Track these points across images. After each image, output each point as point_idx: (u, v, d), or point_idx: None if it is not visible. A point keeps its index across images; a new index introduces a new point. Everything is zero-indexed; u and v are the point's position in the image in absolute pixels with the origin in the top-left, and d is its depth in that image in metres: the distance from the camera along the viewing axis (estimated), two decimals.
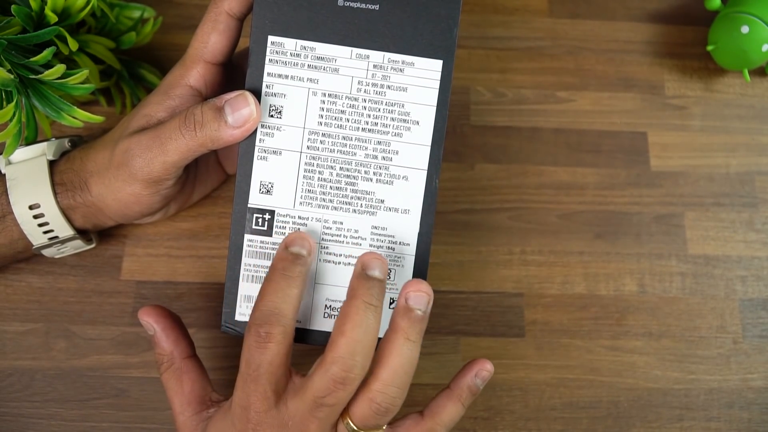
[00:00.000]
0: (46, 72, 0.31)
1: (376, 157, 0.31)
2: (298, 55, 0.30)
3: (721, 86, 0.45)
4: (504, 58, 0.44)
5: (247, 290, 0.31)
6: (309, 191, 0.31)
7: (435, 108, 0.31)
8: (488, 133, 0.42)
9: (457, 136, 0.42)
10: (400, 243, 0.31)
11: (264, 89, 0.30)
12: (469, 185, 0.41)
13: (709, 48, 0.43)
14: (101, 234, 0.38)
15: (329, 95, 0.30)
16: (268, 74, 0.30)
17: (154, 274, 0.38)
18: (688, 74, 0.45)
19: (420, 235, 0.31)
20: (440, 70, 0.30)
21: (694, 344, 0.39)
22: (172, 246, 0.39)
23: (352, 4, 0.30)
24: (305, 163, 0.30)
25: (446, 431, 0.30)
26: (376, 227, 0.31)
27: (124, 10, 0.39)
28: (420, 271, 0.31)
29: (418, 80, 0.30)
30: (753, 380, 0.39)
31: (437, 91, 0.30)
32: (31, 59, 0.31)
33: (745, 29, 0.41)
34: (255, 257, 0.31)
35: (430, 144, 0.31)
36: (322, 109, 0.30)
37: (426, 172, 0.31)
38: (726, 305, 0.40)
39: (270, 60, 0.30)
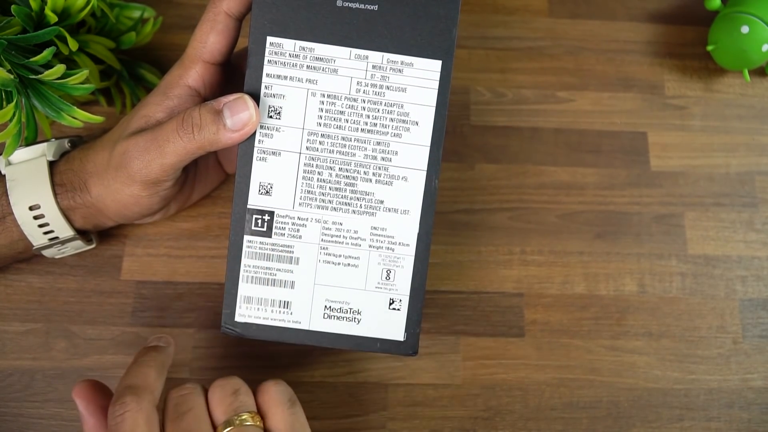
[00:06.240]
0: (46, 72, 0.31)
1: (375, 157, 0.31)
2: (297, 56, 0.30)
3: (721, 86, 0.45)
4: (504, 58, 0.44)
5: (247, 291, 0.31)
6: (308, 192, 0.31)
7: (434, 108, 0.30)
8: (488, 133, 0.42)
9: (457, 136, 0.42)
10: (399, 243, 0.31)
11: (263, 90, 0.30)
12: (469, 185, 0.41)
13: (709, 48, 0.43)
14: (101, 234, 0.38)
15: (328, 96, 0.30)
16: (267, 75, 0.30)
17: (154, 274, 0.38)
18: (688, 74, 0.45)
19: (419, 235, 0.31)
20: (439, 70, 0.30)
21: (694, 344, 0.39)
22: (172, 246, 0.39)
23: (350, 5, 0.30)
24: (304, 164, 0.30)
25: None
26: (375, 228, 0.31)
27: (124, 10, 0.39)
28: (420, 271, 0.31)
29: (417, 81, 0.30)
30: (753, 380, 0.39)
31: (436, 91, 0.30)
32: (31, 59, 0.31)
33: (745, 29, 0.41)
34: (254, 258, 0.31)
35: (429, 144, 0.31)
36: (321, 110, 0.30)
37: (425, 172, 0.31)
38: (726, 305, 0.40)
39: (269, 61, 0.30)
